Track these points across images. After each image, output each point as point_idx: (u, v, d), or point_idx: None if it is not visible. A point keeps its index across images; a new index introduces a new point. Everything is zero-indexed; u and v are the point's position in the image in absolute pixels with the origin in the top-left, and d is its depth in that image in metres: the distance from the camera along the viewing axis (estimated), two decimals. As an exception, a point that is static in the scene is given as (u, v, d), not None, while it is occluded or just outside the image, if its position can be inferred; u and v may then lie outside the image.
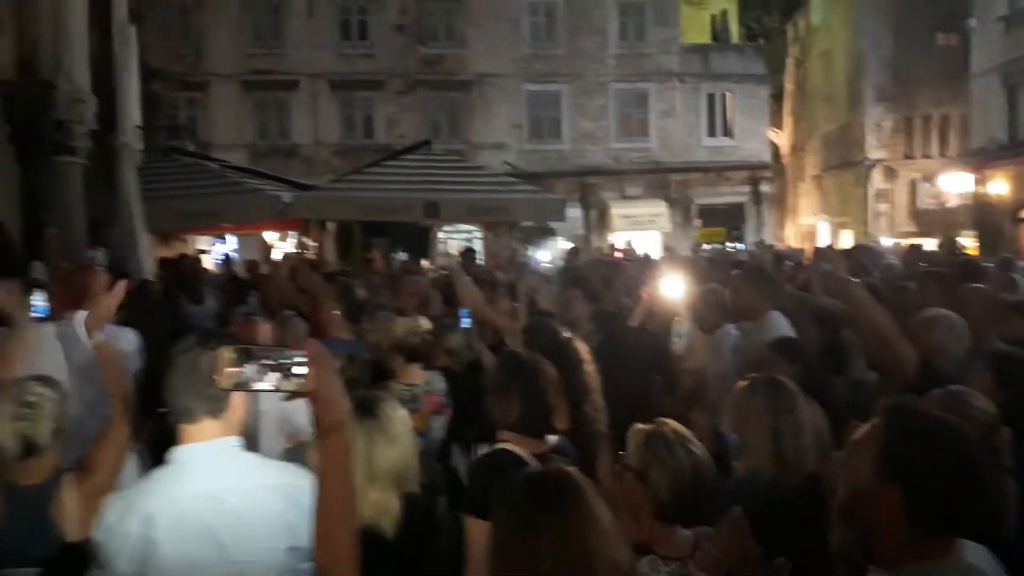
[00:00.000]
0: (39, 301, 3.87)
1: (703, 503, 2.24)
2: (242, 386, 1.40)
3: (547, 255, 15.90)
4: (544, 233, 19.44)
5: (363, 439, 2.36)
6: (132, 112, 10.06)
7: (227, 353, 1.38)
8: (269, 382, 1.40)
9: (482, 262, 12.56)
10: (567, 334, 3.55)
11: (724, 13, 29.47)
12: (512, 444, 2.70)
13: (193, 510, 1.94)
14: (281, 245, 22.20)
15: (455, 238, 24.17)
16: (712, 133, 26.95)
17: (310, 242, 14.66)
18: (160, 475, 2.04)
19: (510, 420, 2.74)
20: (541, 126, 25.97)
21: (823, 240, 24.77)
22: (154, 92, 21.94)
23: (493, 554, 1.80)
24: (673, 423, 2.45)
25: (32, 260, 6.18)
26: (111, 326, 3.79)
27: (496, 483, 2.48)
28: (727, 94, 26.96)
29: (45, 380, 2.75)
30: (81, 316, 3.50)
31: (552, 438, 2.80)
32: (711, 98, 26.87)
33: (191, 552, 1.91)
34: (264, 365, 1.39)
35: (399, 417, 2.59)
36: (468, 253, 10.77)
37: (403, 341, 3.75)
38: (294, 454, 2.82)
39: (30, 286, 4.12)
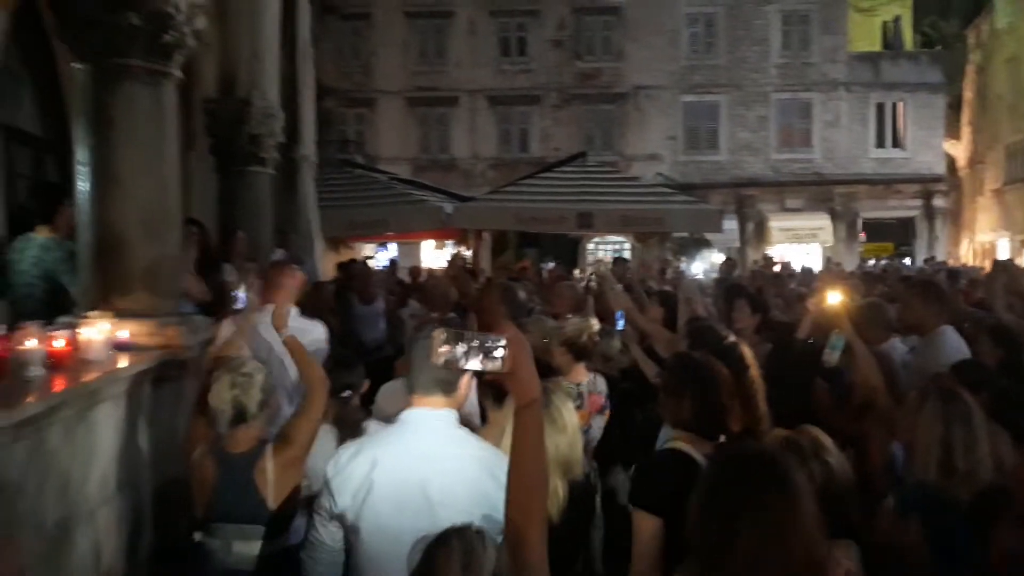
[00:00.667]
0: (241, 295, 4.34)
1: (836, 513, 2.20)
2: (452, 364, 1.60)
3: (701, 267, 15.67)
4: (698, 245, 19.18)
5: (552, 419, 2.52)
6: (311, 128, 10.89)
7: (440, 335, 1.58)
8: (475, 361, 1.59)
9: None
10: (731, 339, 3.57)
11: (897, 19, 27.90)
12: (684, 444, 2.72)
13: (411, 463, 2.21)
14: (440, 253, 23.16)
15: (605, 249, 24.29)
16: (881, 144, 25.60)
17: (466, 251, 15.18)
18: (390, 430, 2.35)
19: (683, 420, 2.77)
20: (697, 137, 25.59)
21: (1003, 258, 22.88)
22: (327, 109, 23.49)
23: (690, 538, 1.79)
24: (814, 431, 2.44)
25: (224, 261, 6.86)
26: (305, 319, 4.20)
27: (666, 480, 2.57)
28: (898, 104, 25.55)
29: (255, 358, 3.09)
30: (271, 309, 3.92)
31: (724, 440, 2.81)
32: (880, 108, 25.55)
33: (403, 500, 2.18)
34: (471, 347, 1.58)
35: (568, 408, 2.74)
36: (619, 262, 10.80)
37: (573, 339, 3.90)
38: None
39: (235, 283, 4.62)
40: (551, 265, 14.61)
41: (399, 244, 20.63)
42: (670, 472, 2.61)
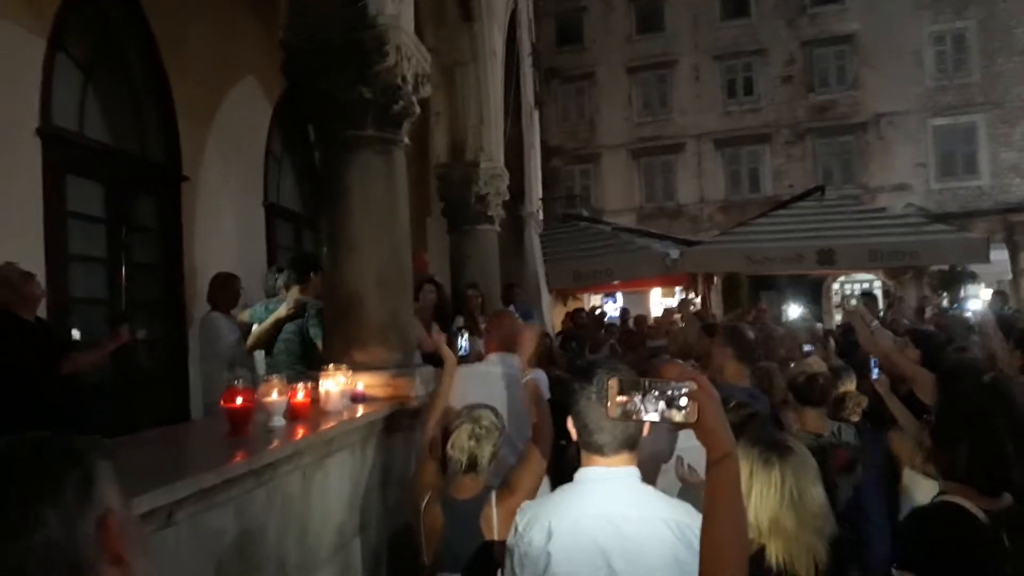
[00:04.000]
0: (463, 344, 4.46)
1: None
2: (630, 415, 1.43)
3: (972, 303, 13.93)
4: (962, 279, 17.11)
5: (791, 475, 2.22)
6: (536, 186, 11.24)
7: (616, 383, 1.42)
8: (656, 412, 1.41)
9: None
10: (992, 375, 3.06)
11: None
12: (959, 497, 2.37)
13: (590, 530, 2.00)
14: (668, 301, 22.81)
15: (852, 288, 22.54)
16: None
17: (695, 297, 14.76)
18: (565, 493, 2.13)
19: (958, 472, 2.43)
20: (953, 162, 23.18)
21: None
22: (553, 167, 24.26)
23: None
24: None
25: (457, 314, 7.16)
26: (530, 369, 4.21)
27: (941, 539, 2.27)
28: None
29: (494, 410, 3.11)
30: (506, 357, 3.96)
31: (1007, 496, 2.39)
32: None
33: (582, 571, 1.97)
34: (651, 396, 1.41)
35: (812, 458, 2.41)
36: (868, 298, 9.89)
37: (792, 381, 3.52)
38: (687, 494, 2.81)
39: (458, 332, 4.78)
40: (794, 307, 13.79)
41: (626, 293, 20.55)
42: (946, 529, 2.29)
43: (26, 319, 4.24)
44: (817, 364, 3.59)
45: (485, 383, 3.84)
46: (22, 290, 4.28)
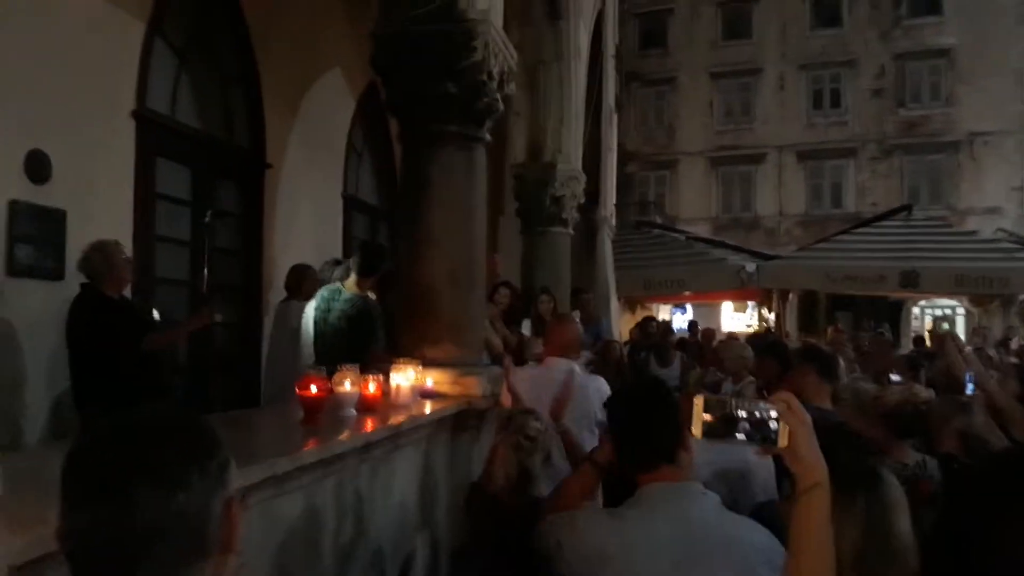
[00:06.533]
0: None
1: None
2: (714, 435, 1.36)
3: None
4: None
5: (878, 506, 2.11)
6: (611, 190, 11.11)
7: (702, 401, 1.36)
8: (741, 434, 1.34)
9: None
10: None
11: None
12: None
13: (663, 548, 1.94)
14: (740, 316, 22.31)
15: (932, 313, 21.73)
16: None
17: (769, 313, 14.38)
18: (631, 509, 2.09)
19: None
20: (1051, 188, 22.16)
21: None
22: (629, 173, 24.02)
23: None
24: None
25: (525, 317, 7.11)
26: (589, 375, 4.13)
27: None
28: None
29: (537, 415, 3.02)
30: (563, 363, 3.89)
31: None
32: None
33: None
34: (737, 417, 1.34)
35: (901, 490, 2.27)
36: (940, 323, 9.49)
37: (895, 411, 3.32)
38: (765, 509, 2.71)
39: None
40: (877, 328, 13.30)
41: (695, 305, 20.20)
42: None
43: (110, 296, 4.34)
44: (925, 393, 3.39)
45: (541, 387, 3.75)
46: (117, 270, 4.39)
